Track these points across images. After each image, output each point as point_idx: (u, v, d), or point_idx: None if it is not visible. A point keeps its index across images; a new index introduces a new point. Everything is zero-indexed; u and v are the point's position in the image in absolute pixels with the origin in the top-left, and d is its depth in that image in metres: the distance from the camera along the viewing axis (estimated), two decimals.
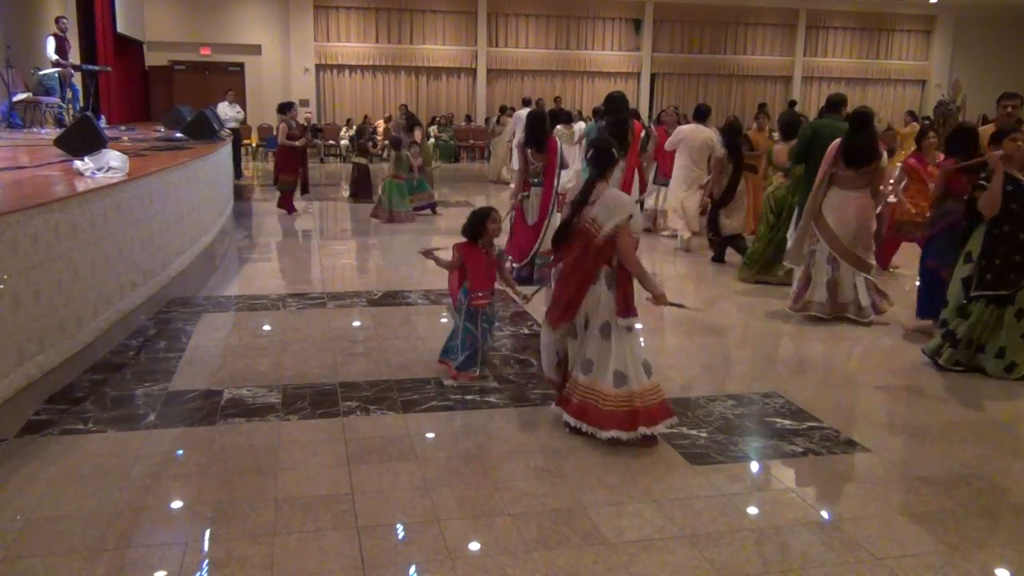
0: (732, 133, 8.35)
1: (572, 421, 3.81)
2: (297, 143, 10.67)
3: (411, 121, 11.99)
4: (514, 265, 6.76)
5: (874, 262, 6.15)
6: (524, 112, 11.10)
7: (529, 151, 6.87)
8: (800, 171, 6.77)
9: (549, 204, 6.65)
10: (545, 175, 6.73)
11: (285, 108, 10.73)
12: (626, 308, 3.71)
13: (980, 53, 22.70)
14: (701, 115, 8.90)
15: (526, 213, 6.90)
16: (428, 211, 10.86)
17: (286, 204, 10.78)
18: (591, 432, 3.72)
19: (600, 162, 3.82)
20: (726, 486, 3.43)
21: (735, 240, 8.02)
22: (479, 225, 4.55)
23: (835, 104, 7.07)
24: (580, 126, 11.59)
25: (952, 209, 5.46)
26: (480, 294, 4.58)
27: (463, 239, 4.65)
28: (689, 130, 8.86)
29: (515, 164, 8.96)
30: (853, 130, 5.98)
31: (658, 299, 3.83)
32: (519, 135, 9.44)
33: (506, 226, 6.08)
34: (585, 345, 3.81)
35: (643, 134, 7.48)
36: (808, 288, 6.13)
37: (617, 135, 6.32)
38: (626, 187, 6.82)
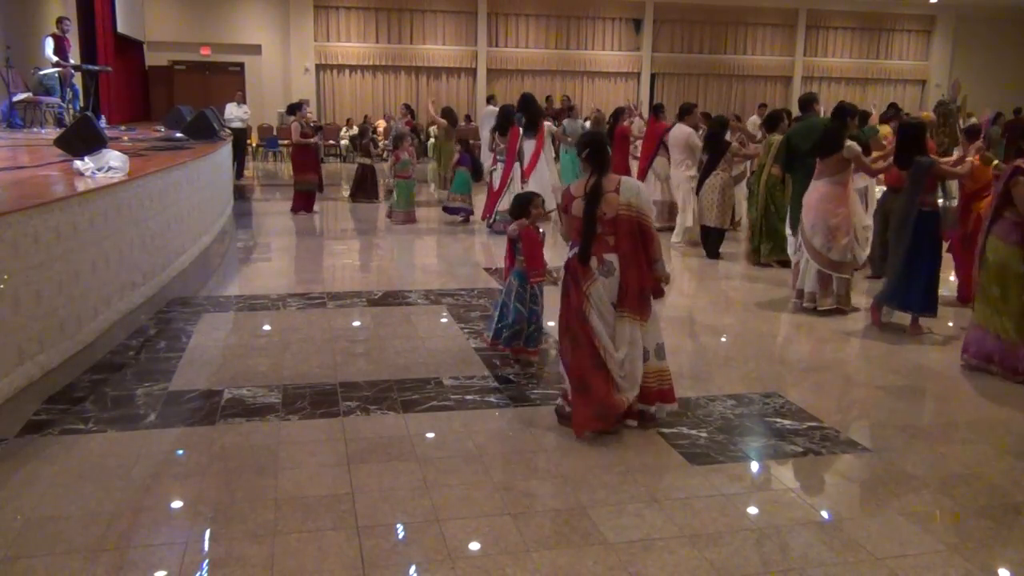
0: (717, 125, 8.58)
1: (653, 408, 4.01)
2: (311, 141, 10.65)
3: (452, 117, 12.14)
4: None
5: (834, 257, 6.10)
6: (488, 110, 13.39)
7: (496, 135, 9.46)
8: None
9: (508, 175, 9.27)
10: (507, 154, 9.29)
11: (296, 108, 10.75)
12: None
13: (980, 53, 22.70)
14: (681, 114, 9.19)
15: (493, 181, 9.64)
16: (460, 216, 10.25)
17: (302, 204, 10.69)
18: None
19: (598, 158, 3.88)
20: (726, 486, 3.43)
21: (708, 232, 8.40)
22: (523, 209, 4.78)
23: (805, 104, 7.63)
24: (548, 125, 12.37)
25: None
26: (535, 272, 4.79)
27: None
28: (673, 130, 9.16)
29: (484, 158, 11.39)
30: (831, 121, 6.40)
31: (668, 282, 4.12)
32: (484, 131, 12.08)
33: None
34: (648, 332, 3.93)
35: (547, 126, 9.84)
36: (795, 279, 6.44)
37: (533, 125, 9.29)
38: (530, 168, 9.48)
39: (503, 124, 9.60)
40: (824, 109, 10.79)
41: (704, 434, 3.96)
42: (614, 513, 3.17)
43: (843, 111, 6.47)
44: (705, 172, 8.34)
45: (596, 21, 21.44)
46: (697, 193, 8.44)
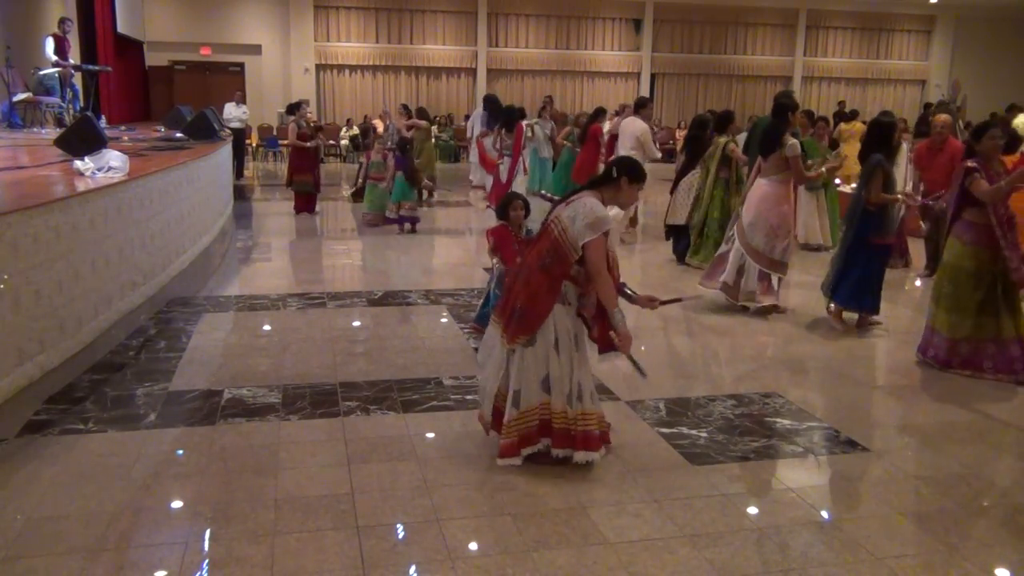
0: (697, 126, 8.42)
1: (560, 453, 3.50)
2: (308, 144, 10.50)
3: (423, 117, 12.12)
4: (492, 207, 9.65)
5: (775, 256, 6.09)
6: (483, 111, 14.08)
7: (503, 132, 10.66)
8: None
9: (515, 167, 10.22)
10: (513, 149, 10.34)
11: (294, 108, 10.69)
12: (606, 343, 3.47)
13: (980, 53, 22.70)
14: (636, 107, 9.24)
15: (500, 174, 10.58)
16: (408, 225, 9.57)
17: (303, 205, 10.67)
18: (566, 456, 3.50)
19: (603, 177, 3.53)
20: (726, 486, 3.43)
21: (674, 229, 8.31)
22: (504, 211, 4.82)
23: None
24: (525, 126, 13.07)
25: None
26: (508, 270, 4.69)
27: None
28: (627, 122, 9.12)
29: (472, 158, 13.08)
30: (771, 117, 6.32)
31: (622, 344, 3.39)
32: (477, 128, 12.90)
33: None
34: (552, 364, 3.44)
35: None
36: (723, 269, 6.35)
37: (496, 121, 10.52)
38: (510, 176, 10.40)
39: (508, 121, 10.99)
40: (824, 109, 10.79)
41: (704, 434, 3.96)
42: (614, 513, 3.17)
43: (783, 107, 6.24)
44: (682, 171, 8.24)
45: (596, 21, 21.44)
46: (672, 192, 8.37)
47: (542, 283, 3.38)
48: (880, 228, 5.57)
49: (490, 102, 12.21)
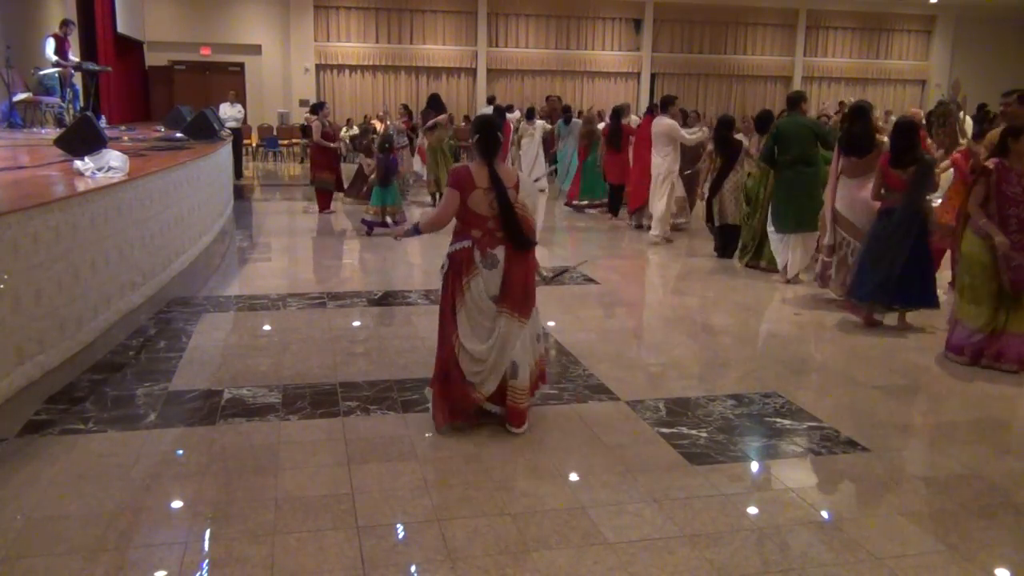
0: (723, 127, 8.50)
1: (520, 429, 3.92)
2: (332, 144, 10.81)
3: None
4: None
5: None
6: (487, 110, 14.67)
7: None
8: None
9: (504, 160, 10.90)
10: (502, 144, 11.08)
11: (318, 108, 11.03)
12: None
13: (980, 53, 22.70)
14: (663, 105, 9.40)
15: None
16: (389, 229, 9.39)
17: (322, 202, 10.85)
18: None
19: (486, 146, 3.78)
20: (726, 486, 3.43)
21: (724, 229, 8.40)
22: None
23: (794, 101, 7.52)
24: (540, 123, 13.71)
25: None
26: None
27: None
28: (655, 123, 9.25)
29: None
30: (850, 122, 6.39)
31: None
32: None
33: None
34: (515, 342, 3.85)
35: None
36: (844, 274, 6.27)
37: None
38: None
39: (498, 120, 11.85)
40: (823, 109, 10.80)
41: (704, 434, 3.96)
42: (614, 513, 3.17)
43: (863, 110, 6.34)
44: (721, 175, 8.30)
45: (596, 21, 21.45)
46: (714, 196, 8.41)
47: (532, 255, 3.93)
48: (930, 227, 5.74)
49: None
